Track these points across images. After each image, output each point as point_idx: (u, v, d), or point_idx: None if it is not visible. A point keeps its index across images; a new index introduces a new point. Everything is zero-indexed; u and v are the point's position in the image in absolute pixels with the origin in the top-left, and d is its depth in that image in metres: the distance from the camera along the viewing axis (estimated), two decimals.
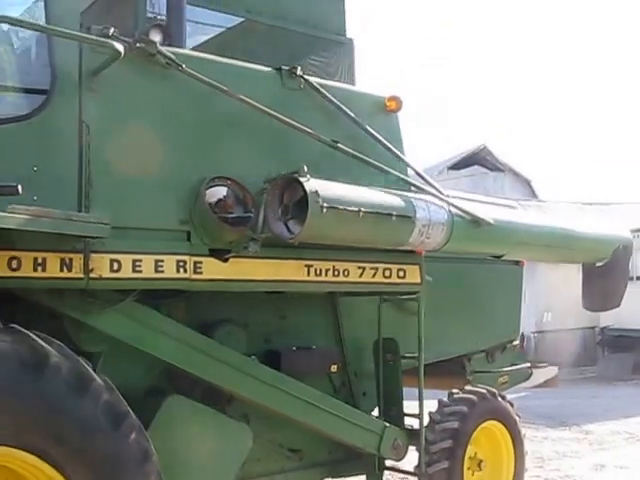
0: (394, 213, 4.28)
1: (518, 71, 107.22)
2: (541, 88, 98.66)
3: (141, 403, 3.82)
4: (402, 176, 4.79)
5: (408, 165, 4.95)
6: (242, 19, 5.27)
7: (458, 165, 29.64)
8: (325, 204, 3.77)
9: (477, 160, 29.86)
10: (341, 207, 3.87)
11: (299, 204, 3.88)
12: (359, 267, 4.56)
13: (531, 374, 7.27)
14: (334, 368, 5.10)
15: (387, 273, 4.72)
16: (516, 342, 7.13)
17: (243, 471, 4.44)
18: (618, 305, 6.69)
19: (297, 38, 5.25)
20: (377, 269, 4.66)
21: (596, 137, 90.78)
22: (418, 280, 4.91)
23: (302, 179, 3.85)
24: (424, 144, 40.88)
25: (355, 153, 4.47)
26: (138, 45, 3.86)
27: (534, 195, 28.32)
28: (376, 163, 4.55)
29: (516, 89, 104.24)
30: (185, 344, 4.10)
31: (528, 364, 7.25)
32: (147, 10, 4.73)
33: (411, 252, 4.80)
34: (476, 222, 4.91)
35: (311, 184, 3.84)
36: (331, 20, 5.32)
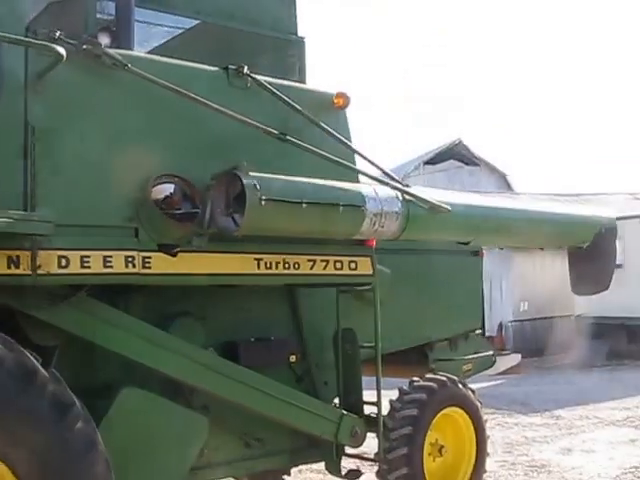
0: (341, 203, 4.38)
1: (497, 68, 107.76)
2: (519, 84, 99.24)
3: (97, 396, 3.93)
4: (352, 166, 4.88)
5: (360, 154, 5.03)
6: (196, 21, 5.35)
7: (434, 160, 29.76)
8: (264, 197, 3.87)
9: (453, 155, 29.99)
10: (281, 199, 3.97)
11: (241, 198, 3.97)
12: (309, 259, 4.66)
13: (495, 361, 7.39)
14: (293, 358, 5.20)
15: (338, 265, 4.81)
16: (479, 330, 7.26)
17: (202, 460, 4.55)
18: (607, 288, 6.63)
19: (249, 38, 5.33)
20: (328, 261, 4.75)
21: (572, 132, 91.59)
22: (370, 271, 5.01)
23: (240, 173, 3.94)
24: (424, 144, 40.94)
25: (303, 144, 4.54)
26: (85, 47, 3.95)
27: (510, 189, 28.54)
28: (325, 154, 4.62)
29: (496, 85, 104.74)
30: (140, 337, 4.19)
31: (491, 352, 7.35)
32: (97, 13, 4.79)
33: (362, 244, 4.90)
34: (433, 209, 4.98)
35: (249, 178, 3.92)
36: (282, 20, 5.40)
